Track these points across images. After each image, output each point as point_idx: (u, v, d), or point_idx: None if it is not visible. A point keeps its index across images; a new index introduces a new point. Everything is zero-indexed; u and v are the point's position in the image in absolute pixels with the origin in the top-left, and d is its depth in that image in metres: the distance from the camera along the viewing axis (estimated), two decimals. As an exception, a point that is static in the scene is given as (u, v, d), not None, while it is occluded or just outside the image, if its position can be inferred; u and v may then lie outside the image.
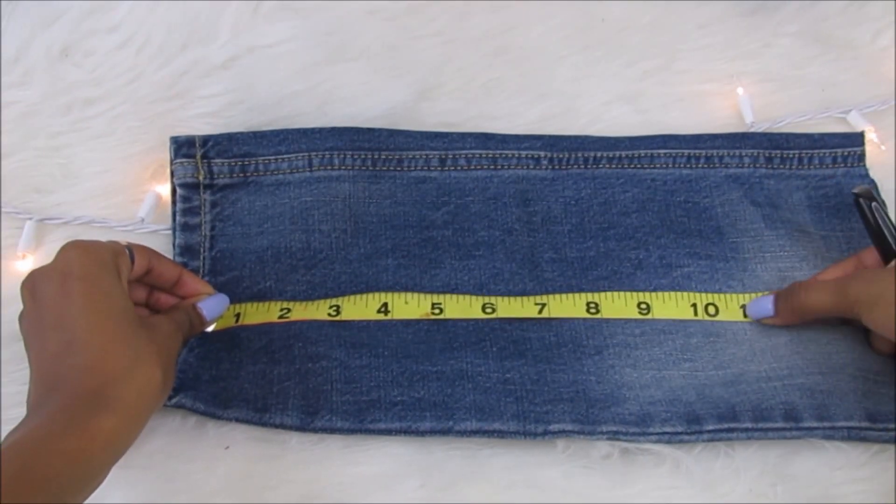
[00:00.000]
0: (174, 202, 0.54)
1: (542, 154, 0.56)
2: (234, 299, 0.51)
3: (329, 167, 0.55)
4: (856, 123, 0.58)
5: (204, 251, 0.53)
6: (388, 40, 0.61)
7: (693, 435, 0.47)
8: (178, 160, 0.54)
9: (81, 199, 0.56)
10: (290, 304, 0.51)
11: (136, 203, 0.55)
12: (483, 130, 0.57)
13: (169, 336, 0.44)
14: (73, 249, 0.42)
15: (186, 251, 0.53)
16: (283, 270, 0.52)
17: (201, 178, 0.54)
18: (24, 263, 0.54)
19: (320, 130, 0.55)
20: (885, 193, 0.55)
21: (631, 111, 0.59)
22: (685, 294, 0.52)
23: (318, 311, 0.51)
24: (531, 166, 0.56)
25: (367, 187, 0.55)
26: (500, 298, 0.52)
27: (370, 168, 0.55)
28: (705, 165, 0.56)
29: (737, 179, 0.56)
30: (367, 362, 0.49)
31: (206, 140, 0.54)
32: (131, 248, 0.45)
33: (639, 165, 0.56)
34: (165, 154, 0.55)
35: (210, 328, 0.50)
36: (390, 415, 0.47)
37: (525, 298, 0.52)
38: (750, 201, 0.55)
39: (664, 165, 0.56)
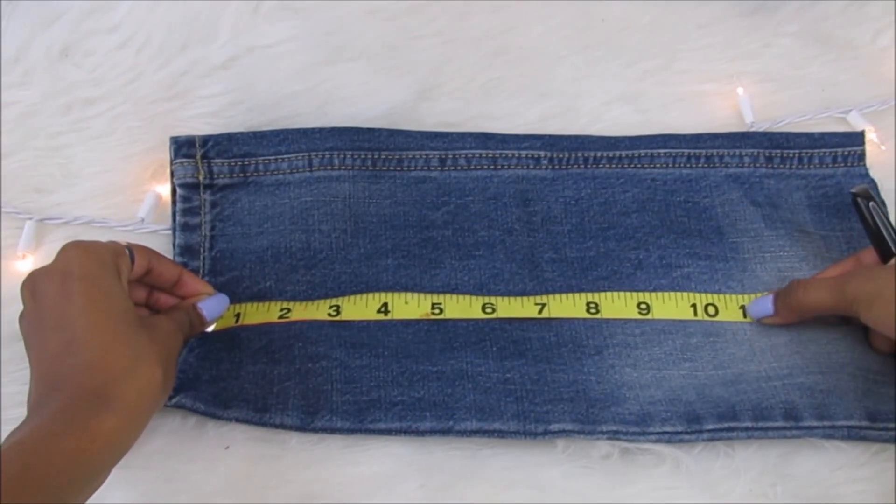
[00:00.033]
0: (174, 202, 0.54)
1: (542, 154, 0.56)
2: (234, 299, 0.51)
3: (329, 167, 0.55)
4: (856, 123, 0.58)
5: (204, 251, 0.53)
6: (388, 40, 0.61)
7: (693, 434, 0.47)
8: (178, 160, 0.54)
9: (81, 199, 0.56)
10: (290, 304, 0.51)
11: (136, 203, 0.55)
12: (483, 130, 0.57)
13: (169, 336, 0.44)
14: (74, 249, 0.42)
15: (186, 251, 0.53)
16: (283, 270, 0.52)
17: (201, 178, 0.54)
18: (24, 263, 0.54)
19: (320, 130, 0.55)
20: (885, 193, 0.55)
21: (631, 111, 0.59)
22: (685, 294, 0.52)
23: (318, 311, 0.51)
24: (531, 166, 0.56)
25: (367, 187, 0.55)
26: (500, 298, 0.52)
27: (370, 168, 0.55)
28: (705, 165, 0.56)
29: (737, 179, 0.56)
30: (368, 362, 0.49)
31: (206, 140, 0.54)
32: (131, 248, 0.45)
33: (639, 165, 0.56)
34: (165, 154, 0.55)
35: (210, 328, 0.50)
36: (390, 415, 0.47)
37: (525, 298, 0.52)
38: (750, 201, 0.55)
39: (664, 165, 0.56)
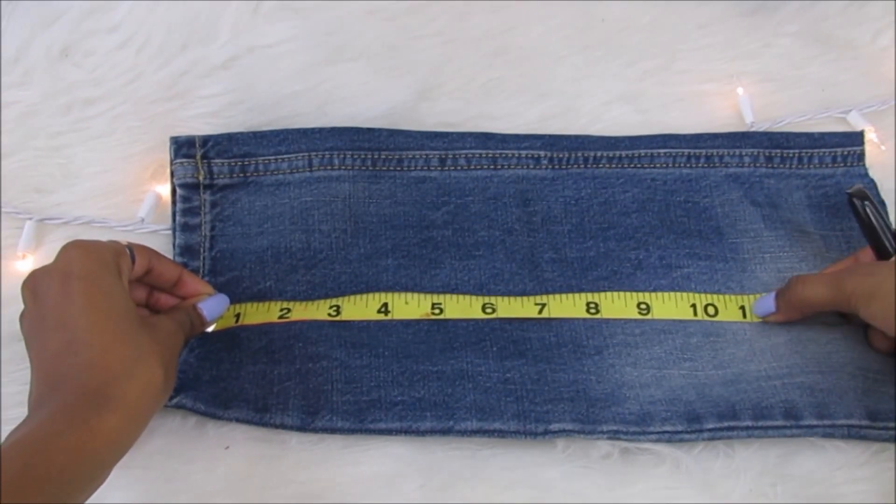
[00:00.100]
0: (174, 202, 0.54)
1: (542, 154, 0.56)
2: (234, 299, 0.51)
3: (329, 167, 0.55)
4: (856, 123, 0.58)
5: (204, 251, 0.53)
6: (388, 40, 0.61)
7: (693, 434, 0.47)
8: (178, 160, 0.54)
9: (81, 199, 0.56)
10: (290, 305, 0.51)
11: (136, 203, 0.55)
12: (483, 130, 0.57)
13: (170, 335, 0.44)
14: (74, 249, 0.42)
15: (186, 251, 0.53)
16: (283, 270, 0.52)
17: (201, 178, 0.54)
18: (24, 263, 0.54)
19: (320, 130, 0.55)
20: (885, 193, 0.55)
21: (631, 111, 0.59)
22: (685, 294, 0.52)
23: (318, 311, 0.51)
24: (531, 166, 0.56)
25: (367, 187, 0.55)
26: (500, 298, 0.52)
27: (370, 168, 0.55)
28: (705, 165, 0.56)
29: (737, 179, 0.56)
30: (368, 362, 0.49)
31: (206, 140, 0.54)
32: (132, 248, 0.45)
33: (639, 165, 0.56)
34: (165, 154, 0.55)
35: (210, 328, 0.50)
36: (391, 415, 0.47)
37: (525, 298, 0.52)
38: (750, 201, 0.55)
39: (664, 165, 0.56)
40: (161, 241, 0.54)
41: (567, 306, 0.52)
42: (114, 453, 0.39)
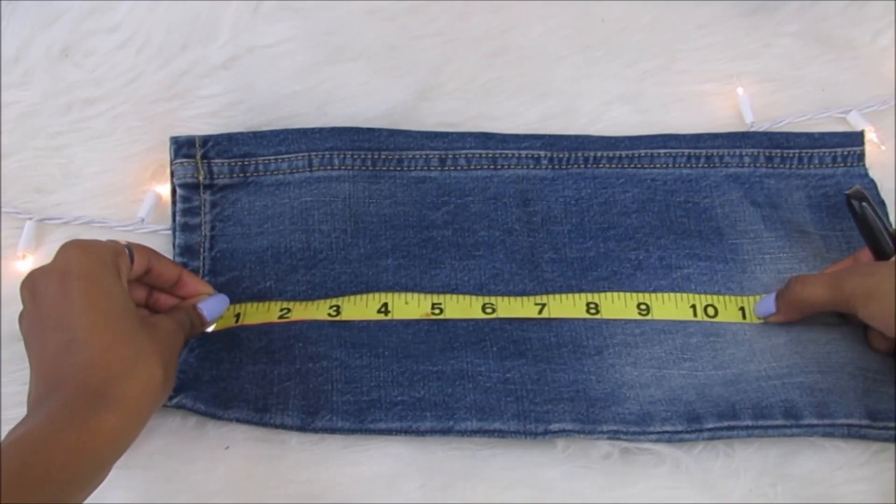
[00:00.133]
0: (174, 202, 0.54)
1: (542, 154, 0.56)
2: (234, 299, 0.51)
3: (329, 167, 0.55)
4: (856, 123, 0.58)
5: (204, 251, 0.53)
6: (388, 40, 0.61)
7: (693, 433, 0.47)
8: (178, 160, 0.54)
9: (81, 199, 0.56)
10: (290, 305, 0.51)
11: (136, 203, 0.55)
12: (483, 130, 0.57)
13: (170, 335, 0.44)
14: (73, 249, 0.42)
15: (186, 251, 0.53)
16: (283, 270, 0.52)
17: (201, 178, 0.54)
18: (24, 263, 0.54)
19: (320, 130, 0.55)
20: (885, 193, 0.55)
21: (631, 111, 0.59)
22: (685, 295, 0.52)
23: (318, 311, 0.51)
24: (531, 166, 0.56)
25: (367, 187, 0.55)
26: (500, 298, 0.52)
27: (370, 168, 0.55)
28: (705, 165, 0.56)
29: (737, 179, 0.56)
30: (368, 362, 0.49)
31: (206, 140, 0.54)
32: (131, 248, 0.45)
33: (639, 165, 0.56)
34: (165, 154, 0.55)
35: (210, 328, 0.50)
36: (391, 415, 0.47)
37: (525, 298, 0.52)
38: (750, 201, 0.55)
39: (664, 165, 0.56)
40: (161, 241, 0.54)
41: (567, 306, 0.52)
42: (113, 453, 0.39)
